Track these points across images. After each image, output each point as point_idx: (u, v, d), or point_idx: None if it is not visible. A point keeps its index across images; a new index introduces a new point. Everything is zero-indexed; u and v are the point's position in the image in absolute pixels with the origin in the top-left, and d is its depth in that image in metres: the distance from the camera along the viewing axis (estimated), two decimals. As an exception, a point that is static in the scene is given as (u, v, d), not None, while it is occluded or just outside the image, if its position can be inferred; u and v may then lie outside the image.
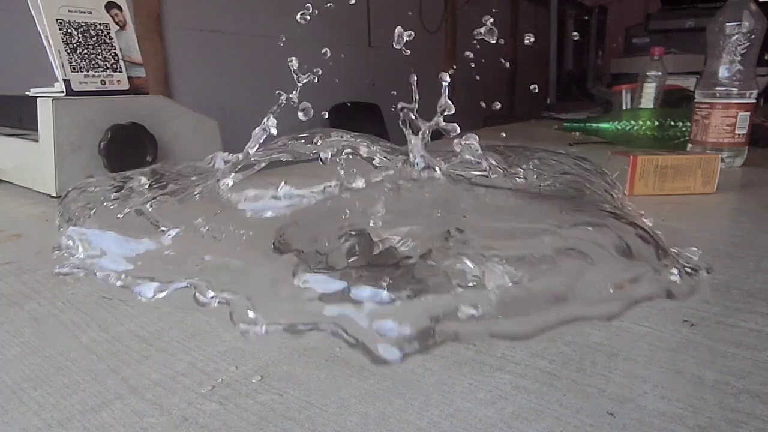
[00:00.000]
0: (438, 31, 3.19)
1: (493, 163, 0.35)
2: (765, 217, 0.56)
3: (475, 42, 0.35)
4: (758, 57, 0.80)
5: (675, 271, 0.31)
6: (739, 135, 0.81)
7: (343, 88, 2.40)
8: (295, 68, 0.34)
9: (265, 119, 0.34)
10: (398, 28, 0.35)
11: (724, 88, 0.80)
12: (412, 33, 0.35)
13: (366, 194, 0.34)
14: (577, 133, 1.11)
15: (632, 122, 1.00)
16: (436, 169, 0.32)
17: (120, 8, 0.71)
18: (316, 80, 0.36)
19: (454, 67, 0.41)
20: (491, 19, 0.34)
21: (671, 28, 2.27)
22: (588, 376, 0.26)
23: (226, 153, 0.39)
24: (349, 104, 2.45)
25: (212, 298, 0.28)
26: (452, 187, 0.32)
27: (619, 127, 1.02)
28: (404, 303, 0.25)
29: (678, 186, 0.64)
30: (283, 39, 2.15)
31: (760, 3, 0.79)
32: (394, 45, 0.35)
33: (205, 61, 1.98)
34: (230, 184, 0.33)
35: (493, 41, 0.35)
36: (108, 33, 0.69)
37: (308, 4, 0.40)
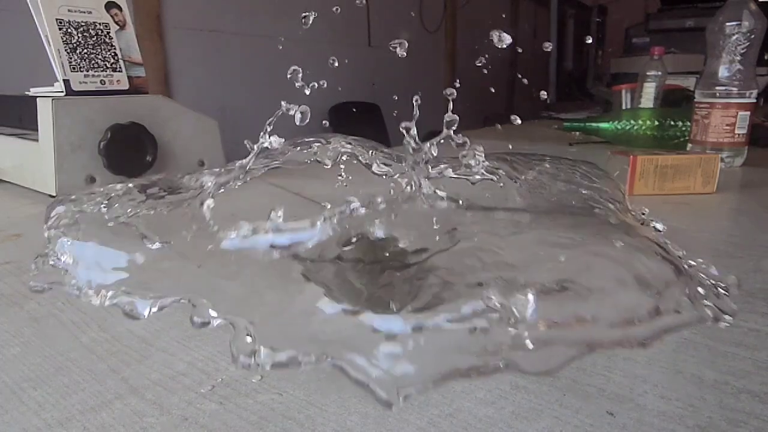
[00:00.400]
0: (438, 31, 3.19)
1: (502, 173, 0.34)
2: (765, 217, 0.56)
3: (500, 45, 0.34)
4: (758, 57, 0.80)
5: (702, 290, 0.28)
6: (738, 135, 0.81)
7: (343, 88, 2.40)
8: (299, 76, 0.34)
9: (263, 137, 0.33)
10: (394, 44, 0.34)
11: (724, 88, 0.80)
12: (405, 46, 0.34)
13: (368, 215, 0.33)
14: (577, 132, 1.11)
15: (632, 122, 1.00)
16: (440, 194, 0.30)
17: (120, 8, 0.71)
18: (316, 86, 0.35)
19: (458, 82, 0.40)
20: (508, 37, 0.33)
21: (671, 28, 2.27)
22: (588, 375, 0.26)
23: (218, 169, 0.36)
24: (349, 105, 2.45)
25: (213, 318, 0.26)
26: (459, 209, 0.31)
27: (619, 127, 1.02)
28: (416, 337, 0.23)
29: (678, 186, 0.64)
30: (282, 40, 2.14)
31: (760, 3, 0.79)
32: (390, 48, 0.34)
33: (205, 61, 1.98)
34: (211, 205, 0.30)
35: (503, 46, 0.34)
36: (108, 33, 0.69)
37: (313, 12, 0.40)
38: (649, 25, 2.41)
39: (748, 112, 0.80)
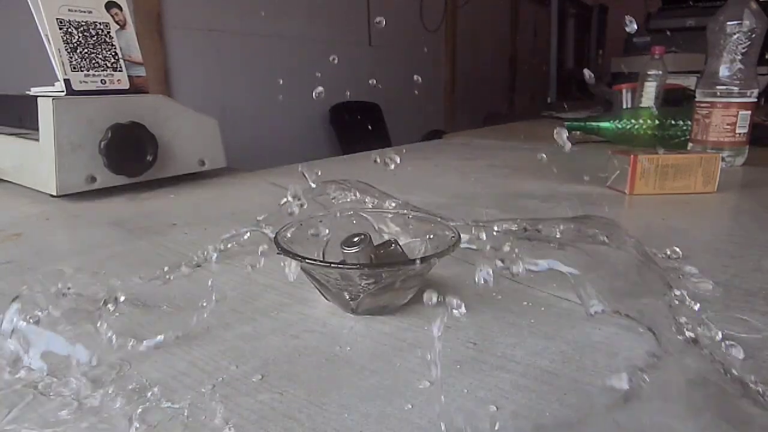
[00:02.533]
0: (438, 30, 3.19)
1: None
2: (765, 216, 0.56)
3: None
4: (759, 56, 0.80)
5: None
6: (739, 134, 0.81)
7: (344, 87, 2.39)
8: (289, 199, 0.33)
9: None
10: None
11: (724, 87, 0.80)
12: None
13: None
14: (578, 132, 1.11)
15: (633, 121, 1.00)
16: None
17: (120, 7, 0.71)
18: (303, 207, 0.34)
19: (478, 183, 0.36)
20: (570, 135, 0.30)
21: (672, 27, 2.27)
22: (588, 375, 0.26)
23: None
24: (349, 105, 2.45)
25: None
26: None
27: (620, 126, 1.02)
28: None
29: (678, 185, 0.64)
30: (283, 39, 2.14)
31: (761, 2, 0.78)
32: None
33: (205, 61, 1.98)
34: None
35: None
36: (108, 32, 0.69)
37: (320, 88, 0.39)
38: (649, 24, 2.41)
39: (749, 112, 0.80)
